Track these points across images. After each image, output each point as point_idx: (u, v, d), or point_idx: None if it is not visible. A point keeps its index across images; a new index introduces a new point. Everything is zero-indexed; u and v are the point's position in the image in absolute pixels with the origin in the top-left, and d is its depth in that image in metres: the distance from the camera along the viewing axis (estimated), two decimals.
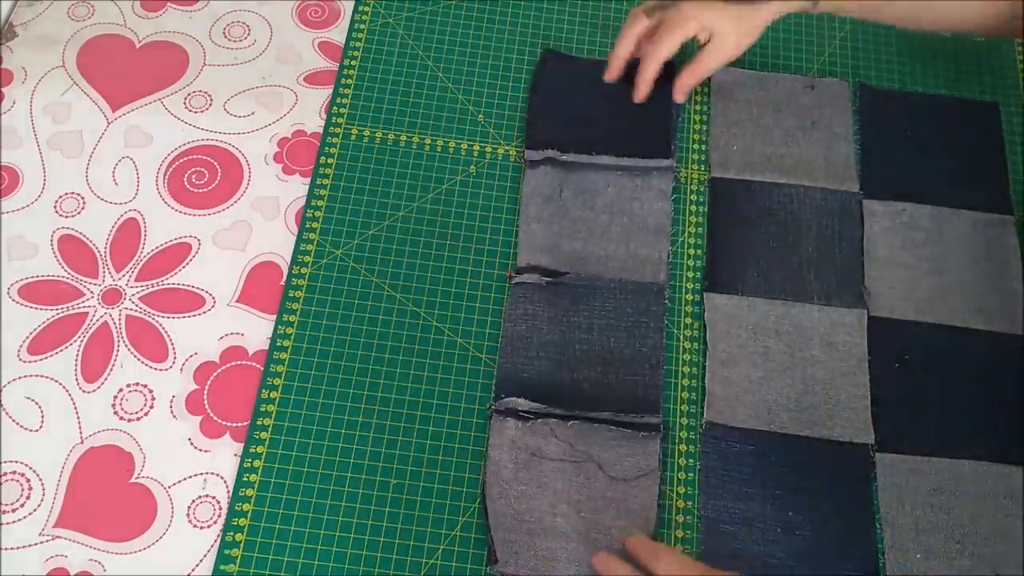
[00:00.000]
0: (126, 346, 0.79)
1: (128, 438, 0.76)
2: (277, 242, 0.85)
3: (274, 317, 0.81)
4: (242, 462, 0.75)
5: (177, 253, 0.84)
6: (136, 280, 0.82)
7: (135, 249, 0.84)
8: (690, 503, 0.75)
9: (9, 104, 0.90)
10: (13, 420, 0.76)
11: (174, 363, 0.79)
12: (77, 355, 0.79)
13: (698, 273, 0.84)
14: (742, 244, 0.85)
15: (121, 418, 0.77)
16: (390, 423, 0.77)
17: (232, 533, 0.73)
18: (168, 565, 0.72)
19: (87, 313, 0.80)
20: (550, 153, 0.88)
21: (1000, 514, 0.75)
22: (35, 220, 0.84)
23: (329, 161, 0.88)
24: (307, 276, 0.83)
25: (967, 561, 0.73)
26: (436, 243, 0.85)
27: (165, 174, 0.87)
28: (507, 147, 0.90)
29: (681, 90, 0.89)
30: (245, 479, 0.75)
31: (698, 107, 0.93)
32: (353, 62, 0.93)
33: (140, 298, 0.81)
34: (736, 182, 0.88)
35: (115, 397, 0.77)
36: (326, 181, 0.87)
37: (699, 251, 0.85)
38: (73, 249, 0.83)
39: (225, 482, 0.75)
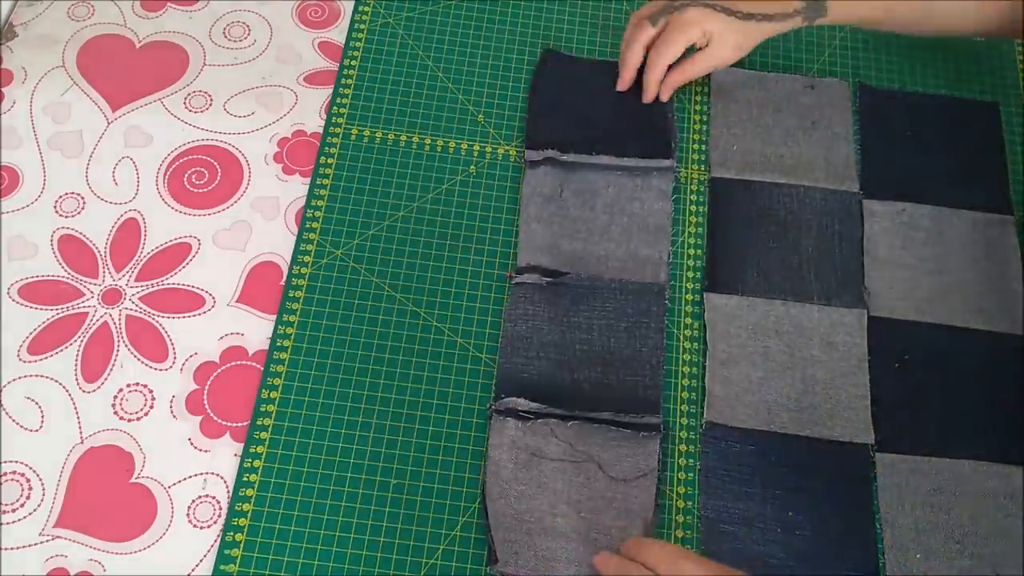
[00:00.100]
0: (126, 346, 0.79)
1: (128, 438, 0.76)
2: (277, 242, 0.85)
3: (274, 317, 0.81)
4: (242, 462, 0.75)
5: (177, 253, 0.84)
6: (136, 280, 0.82)
7: (135, 249, 0.84)
8: (690, 503, 0.75)
9: (9, 104, 0.90)
10: (13, 420, 0.76)
11: (174, 363, 0.79)
12: (77, 355, 0.79)
13: (698, 273, 0.84)
14: (742, 244, 0.85)
15: (121, 418, 0.77)
16: (390, 423, 0.77)
17: (232, 533, 0.73)
18: (168, 565, 0.72)
19: (87, 313, 0.80)
20: (550, 153, 0.88)
21: (1000, 514, 0.75)
22: (35, 220, 0.84)
23: (329, 161, 0.88)
24: (307, 276, 0.83)
25: (967, 561, 0.73)
26: (436, 243, 0.85)
27: (165, 174, 0.87)
28: (507, 147, 0.90)
29: (669, 88, 0.90)
30: (245, 479, 0.75)
31: (698, 107, 0.93)
32: (353, 62, 0.93)
33: (140, 298, 0.81)
34: (736, 182, 0.88)
35: (115, 397, 0.77)
36: (326, 181, 0.87)
37: (699, 251, 0.85)
38: (73, 249, 0.83)
39: (225, 482, 0.75)
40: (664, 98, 0.90)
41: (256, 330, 0.81)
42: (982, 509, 0.75)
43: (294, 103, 0.91)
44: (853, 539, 0.74)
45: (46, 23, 0.94)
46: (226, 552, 0.72)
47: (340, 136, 0.89)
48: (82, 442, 0.76)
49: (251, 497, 0.74)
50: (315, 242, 0.84)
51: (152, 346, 0.80)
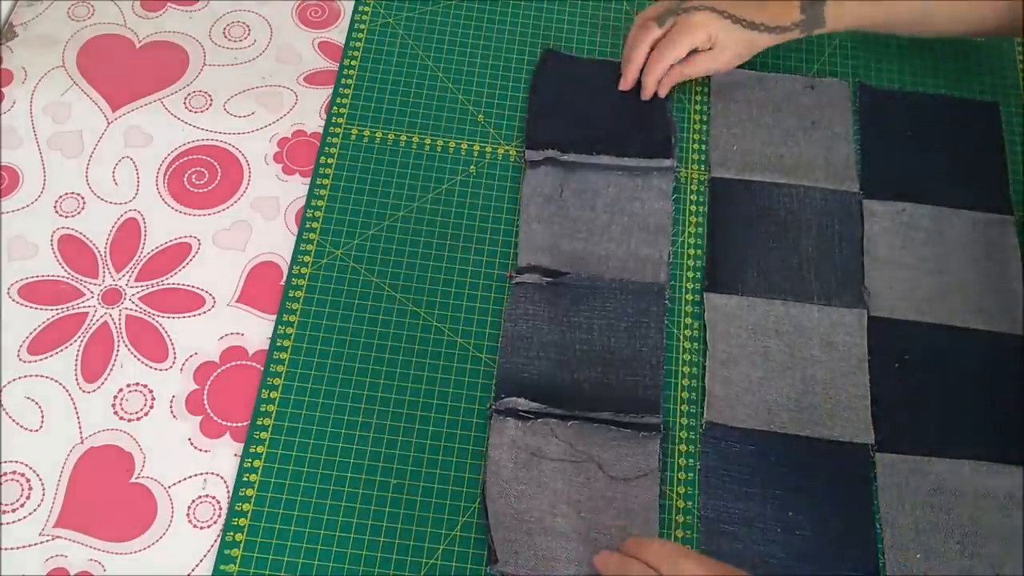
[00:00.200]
0: (126, 346, 0.79)
1: (128, 438, 0.76)
2: (277, 242, 0.85)
3: (274, 317, 0.81)
4: (242, 462, 0.75)
5: (177, 253, 0.84)
6: (136, 280, 0.82)
7: (135, 249, 0.84)
8: (690, 503, 0.75)
9: (9, 104, 0.90)
10: (13, 420, 0.76)
11: (174, 363, 0.79)
12: (77, 355, 0.79)
13: (698, 273, 0.84)
14: (742, 244, 0.85)
15: (121, 418, 0.77)
16: (390, 423, 0.77)
17: (232, 533, 0.73)
18: (168, 565, 0.72)
19: (87, 313, 0.80)
20: (550, 153, 0.88)
21: (1000, 514, 0.75)
22: (35, 220, 0.84)
23: (329, 161, 0.88)
24: (307, 276, 0.83)
25: (967, 561, 0.73)
26: (436, 243, 0.85)
27: (165, 174, 0.87)
28: (507, 147, 0.90)
29: (666, 85, 0.90)
30: (245, 479, 0.75)
31: (698, 107, 0.93)
32: (353, 62, 0.93)
33: (140, 298, 0.81)
34: (736, 182, 0.88)
35: (115, 397, 0.77)
36: (326, 181, 0.87)
37: (699, 251, 0.85)
38: (73, 249, 0.83)
39: (225, 482, 0.75)
40: (662, 94, 0.90)
41: (256, 330, 0.81)
42: (982, 509, 0.75)
43: (294, 103, 0.91)
44: (853, 539, 0.74)
45: (46, 23, 0.94)
46: (226, 552, 0.72)
47: (340, 136, 0.89)
48: (82, 442, 0.76)
49: (251, 497, 0.74)
50: (315, 242, 0.84)
51: (152, 346, 0.80)
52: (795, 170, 0.89)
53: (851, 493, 0.76)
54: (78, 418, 0.77)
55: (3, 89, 0.90)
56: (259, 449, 0.76)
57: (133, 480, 0.75)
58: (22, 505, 0.73)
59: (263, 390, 0.78)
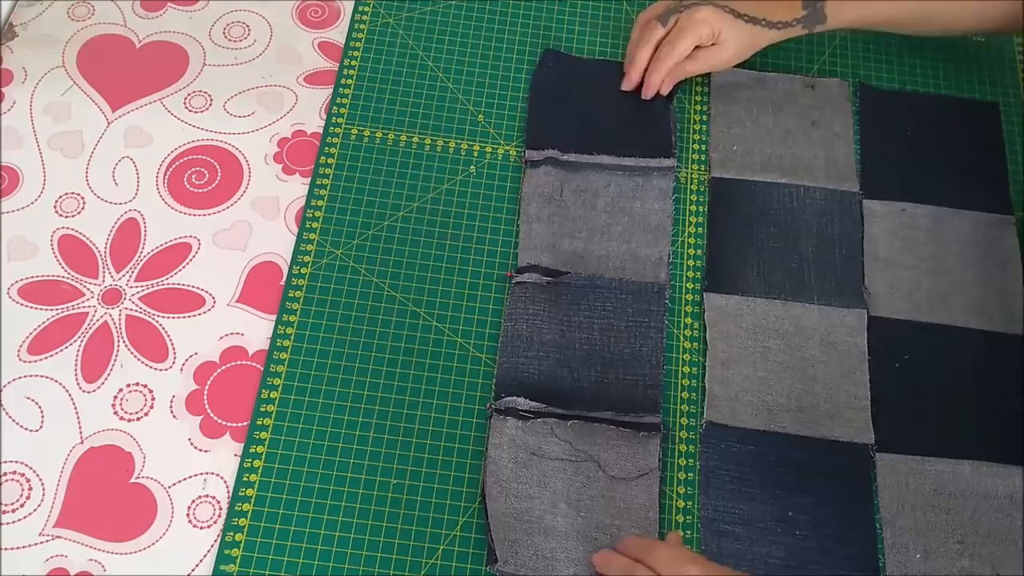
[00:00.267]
0: (126, 346, 0.79)
1: (128, 438, 0.76)
2: (277, 242, 0.85)
3: (274, 317, 0.81)
4: (242, 462, 0.75)
5: (177, 253, 0.84)
6: (136, 280, 0.82)
7: (135, 249, 0.84)
8: (690, 503, 0.75)
9: (9, 104, 0.90)
10: (13, 420, 0.76)
11: (174, 363, 0.79)
12: (77, 355, 0.79)
13: (698, 273, 0.84)
14: (742, 244, 0.85)
15: (121, 418, 0.77)
16: (390, 423, 0.77)
17: (232, 533, 0.73)
18: (168, 565, 0.72)
19: (87, 313, 0.80)
20: (550, 153, 0.88)
21: (1000, 514, 0.75)
22: (35, 220, 0.84)
23: (329, 161, 0.88)
24: (307, 276, 0.83)
25: (967, 561, 0.73)
26: (436, 243, 0.85)
27: (165, 174, 0.87)
28: (507, 147, 0.90)
29: (668, 84, 0.90)
30: (245, 479, 0.75)
31: (698, 107, 0.93)
32: (353, 62, 0.93)
33: (140, 298, 0.81)
34: (736, 182, 0.88)
35: (115, 397, 0.77)
36: (326, 181, 0.87)
37: (699, 251, 0.85)
38: (73, 249, 0.83)
39: (225, 482, 0.75)
40: (664, 92, 0.90)
41: (256, 330, 0.81)
42: (982, 509, 0.75)
43: (294, 103, 0.91)
44: (853, 539, 0.74)
45: (46, 23, 0.94)
46: (226, 552, 0.72)
47: (340, 136, 0.89)
48: (82, 442, 0.76)
49: (251, 497, 0.74)
50: (315, 242, 0.84)
51: (152, 346, 0.80)
52: (795, 170, 0.89)
53: (851, 493, 0.76)
54: (78, 418, 0.77)
55: (3, 89, 0.90)
56: (259, 449, 0.76)
57: (133, 480, 0.75)
58: (22, 505, 0.73)
59: (263, 390, 0.78)
